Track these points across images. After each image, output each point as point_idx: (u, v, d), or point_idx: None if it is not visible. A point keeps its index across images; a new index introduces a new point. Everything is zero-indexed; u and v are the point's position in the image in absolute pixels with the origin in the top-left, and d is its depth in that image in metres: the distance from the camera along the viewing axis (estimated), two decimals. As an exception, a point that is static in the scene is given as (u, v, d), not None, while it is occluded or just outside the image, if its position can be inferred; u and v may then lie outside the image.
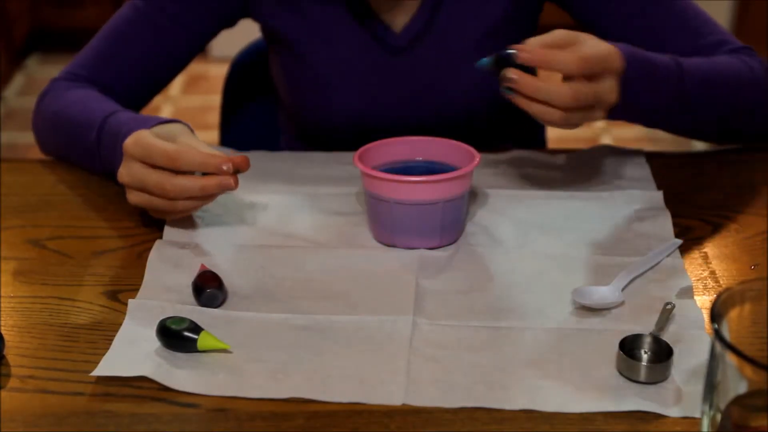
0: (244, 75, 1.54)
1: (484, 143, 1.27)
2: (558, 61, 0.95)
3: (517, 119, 1.28)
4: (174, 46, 1.24)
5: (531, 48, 0.96)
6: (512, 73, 0.96)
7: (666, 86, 1.07)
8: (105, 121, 1.08)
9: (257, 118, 1.54)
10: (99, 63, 1.22)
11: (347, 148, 1.17)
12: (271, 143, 1.47)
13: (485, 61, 0.98)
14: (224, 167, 0.94)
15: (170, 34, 1.22)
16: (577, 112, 0.97)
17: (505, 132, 1.36)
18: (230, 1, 1.24)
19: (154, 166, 0.96)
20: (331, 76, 1.24)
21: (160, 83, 1.27)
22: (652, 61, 1.05)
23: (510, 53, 0.96)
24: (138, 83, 1.24)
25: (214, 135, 1.73)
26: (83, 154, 1.14)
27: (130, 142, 0.98)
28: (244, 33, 1.54)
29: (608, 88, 0.98)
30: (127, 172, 0.98)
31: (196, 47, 1.26)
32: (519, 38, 1.01)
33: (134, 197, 1.00)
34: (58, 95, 1.20)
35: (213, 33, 1.27)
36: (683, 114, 1.12)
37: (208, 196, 0.98)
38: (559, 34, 0.98)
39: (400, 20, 1.22)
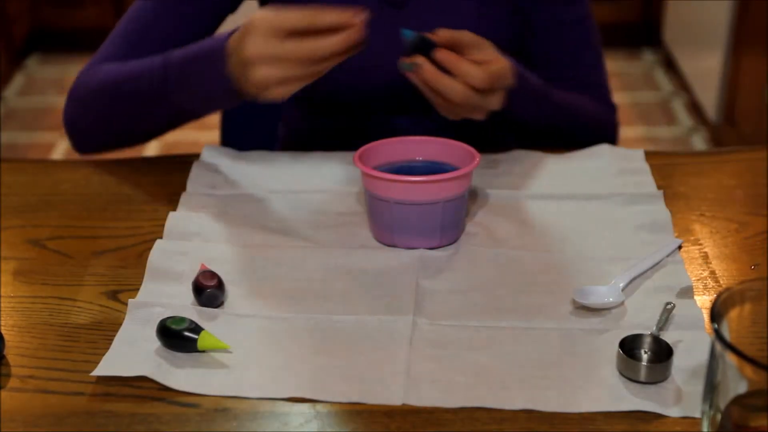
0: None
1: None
2: (468, 74, 1.03)
3: None
4: (194, 22, 1.22)
5: (448, 54, 1.04)
6: (421, 60, 1.04)
7: (536, 104, 1.21)
8: (166, 59, 1.10)
9: (257, 118, 1.54)
10: (122, 50, 1.20)
11: (353, 116, 1.19)
12: (271, 143, 1.47)
13: (410, 34, 1.06)
14: (357, 18, 0.98)
15: (189, 9, 1.21)
16: (460, 109, 1.07)
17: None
18: None
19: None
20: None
21: None
22: (530, 82, 1.18)
23: (432, 42, 1.05)
24: None
25: (214, 135, 1.74)
26: (145, 101, 1.12)
27: (257, 17, 1.00)
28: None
29: (495, 100, 1.07)
30: (254, 47, 0.99)
31: (214, 23, 1.25)
32: None
33: (265, 71, 0.99)
34: (93, 75, 1.18)
35: (231, 6, 1.26)
36: (538, 125, 1.24)
37: (346, 51, 0.99)
38: (467, 36, 1.06)
39: None
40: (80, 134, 1.22)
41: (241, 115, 1.55)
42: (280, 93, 1.02)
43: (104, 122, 1.19)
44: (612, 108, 1.32)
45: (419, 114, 1.22)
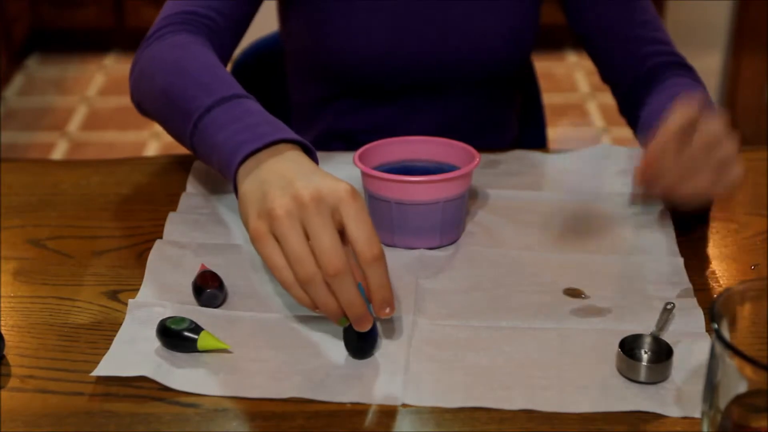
0: (246, 75, 1.54)
1: (498, 102, 1.33)
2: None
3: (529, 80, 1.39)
4: None
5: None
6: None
7: None
8: (233, 98, 0.94)
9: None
10: None
11: (371, 99, 1.21)
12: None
13: None
14: (387, 310, 0.81)
15: None
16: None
17: (520, 90, 1.42)
18: None
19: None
20: (361, 9, 1.23)
21: (254, 6, 1.22)
22: None
23: None
24: (237, 8, 1.19)
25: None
26: (180, 116, 0.98)
27: (344, 189, 0.80)
28: (245, 33, 1.54)
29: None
30: (287, 216, 0.79)
31: None
32: None
33: (270, 249, 0.80)
34: (167, 39, 1.10)
35: None
36: None
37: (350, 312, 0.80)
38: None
39: None
40: (138, 99, 1.12)
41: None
42: (264, 253, 0.81)
43: (152, 106, 1.08)
44: (689, 67, 1.25)
45: (442, 99, 1.24)
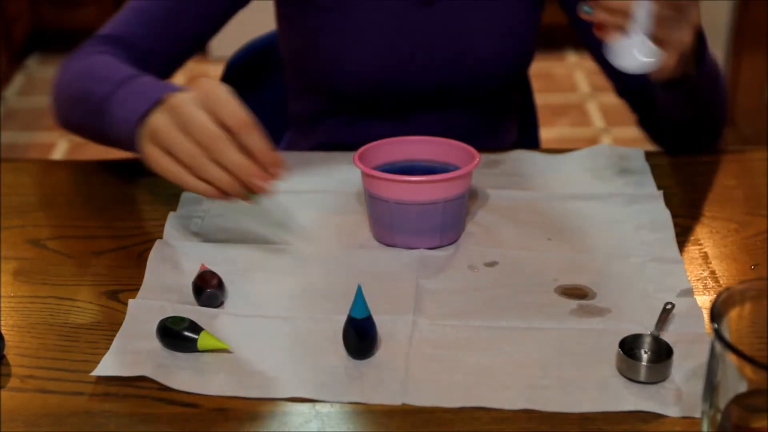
0: (241, 75, 1.54)
1: (496, 113, 1.33)
2: None
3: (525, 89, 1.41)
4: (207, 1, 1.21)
5: None
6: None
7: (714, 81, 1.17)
8: (130, 79, 1.03)
9: (255, 118, 1.54)
10: (130, 22, 1.18)
11: (368, 115, 1.23)
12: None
13: (589, 10, 1.00)
14: (277, 165, 0.91)
15: None
16: (662, 28, 0.98)
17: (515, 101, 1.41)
18: None
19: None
20: (358, 27, 1.23)
21: (197, 40, 1.23)
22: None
23: None
24: (172, 40, 1.20)
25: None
26: (91, 110, 1.06)
27: (206, 83, 0.90)
28: (242, 33, 1.54)
29: (692, 6, 0.98)
30: (164, 125, 0.90)
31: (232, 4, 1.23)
32: None
33: (165, 162, 0.91)
34: (83, 56, 1.15)
35: None
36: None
37: (242, 189, 0.91)
38: None
39: None
40: (56, 111, 1.17)
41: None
42: (159, 167, 0.93)
43: (70, 113, 1.14)
44: None
45: (441, 111, 1.24)
